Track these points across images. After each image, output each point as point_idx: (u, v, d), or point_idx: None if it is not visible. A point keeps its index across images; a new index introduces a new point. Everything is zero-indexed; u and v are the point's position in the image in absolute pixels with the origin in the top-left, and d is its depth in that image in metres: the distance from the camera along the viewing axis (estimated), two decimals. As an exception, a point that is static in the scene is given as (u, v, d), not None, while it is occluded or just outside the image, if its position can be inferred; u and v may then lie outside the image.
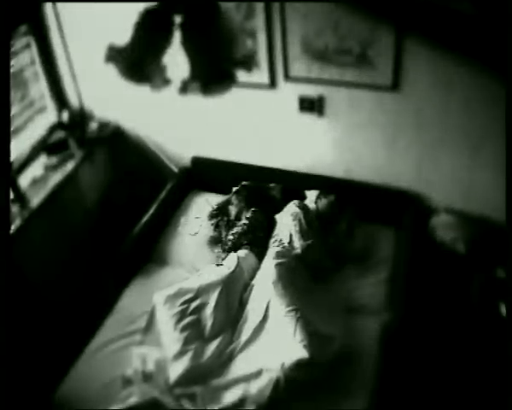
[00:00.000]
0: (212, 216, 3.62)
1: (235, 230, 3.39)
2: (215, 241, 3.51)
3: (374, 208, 3.47)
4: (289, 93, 3.37)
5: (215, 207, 3.67)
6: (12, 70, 3.47)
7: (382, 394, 2.63)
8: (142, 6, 1.56)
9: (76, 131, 3.86)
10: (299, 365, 2.58)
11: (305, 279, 3.12)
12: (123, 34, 1.59)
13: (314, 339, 2.68)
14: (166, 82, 1.55)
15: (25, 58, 3.66)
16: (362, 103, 3.21)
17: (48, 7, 3.61)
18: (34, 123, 3.80)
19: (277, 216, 3.40)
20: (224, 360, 2.79)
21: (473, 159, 3.13)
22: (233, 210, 3.57)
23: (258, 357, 2.74)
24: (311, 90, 3.29)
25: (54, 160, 3.72)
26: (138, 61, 1.51)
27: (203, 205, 3.75)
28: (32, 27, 3.63)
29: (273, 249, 3.18)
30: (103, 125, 4.02)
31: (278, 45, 3.21)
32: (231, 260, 3.20)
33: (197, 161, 3.96)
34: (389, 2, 2.81)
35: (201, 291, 3.01)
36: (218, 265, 3.25)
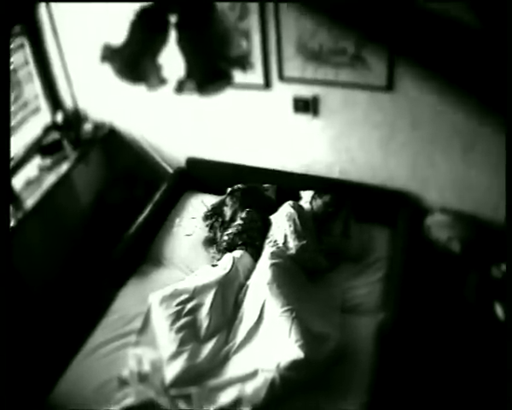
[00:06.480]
0: (206, 217, 3.62)
1: (230, 230, 3.39)
2: (210, 242, 3.51)
3: (369, 208, 3.47)
4: (284, 93, 3.37)
5: (210, 207, 3.67)
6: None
7: (378, 393, 2.63)
8: (137, 5, 1.56)
9: (70, 132, 3.85)
10: (294, 365, 2.58)
11: (301, 279, 3.12)
12: (118, 34, 1.58)
13: (309, 339, 2.68)
14: (162, 81, 1.56)
15: (18, 59, 3.64)
16: (356, 103, 3.22)
17: (42, 7, 3.60)
18: (28, 124, 3.79)
19: (272, 217, 3.40)
20: (220, 360, 2.79)
21: (467, 158, 3.14)
22: (228, 211, 3.56)
23: (254, 357, 2.73)
24: (306, 91, 3.29)
25: (48, 161, 3.72)
26: (134, 60, 1.51)
27: (198, 206, 3.75)
28: (25, 28, 3.62)
29: (268, 250, 3.18)
30: (98, 126, 4.01)
31: (273, 45, 3.21)
32: (227, 260, 3.19)
33: (192, 162, 3.96)
34: (381, 19, 2.79)
35: (197, 292, 3.00)
36: (213, 265, 3.25)
